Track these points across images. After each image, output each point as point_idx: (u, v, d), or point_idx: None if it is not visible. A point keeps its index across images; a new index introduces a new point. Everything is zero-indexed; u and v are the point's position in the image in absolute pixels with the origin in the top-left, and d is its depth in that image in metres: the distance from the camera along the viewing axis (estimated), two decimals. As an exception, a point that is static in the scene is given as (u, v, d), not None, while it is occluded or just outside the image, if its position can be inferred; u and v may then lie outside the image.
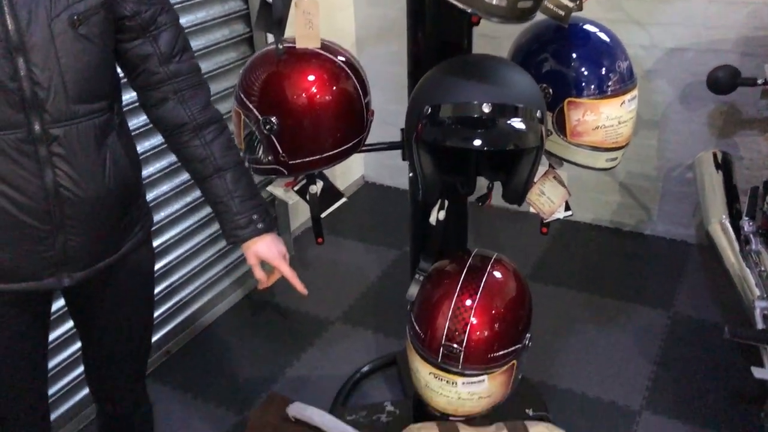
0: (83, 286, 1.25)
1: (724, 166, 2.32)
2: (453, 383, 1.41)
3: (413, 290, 1.49)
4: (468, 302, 1.42)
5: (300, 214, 2.98)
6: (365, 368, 2.22)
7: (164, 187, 2.20)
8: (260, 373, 2.26)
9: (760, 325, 1.78)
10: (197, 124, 1.27)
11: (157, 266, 2.21)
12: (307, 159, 1.43)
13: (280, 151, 1.42)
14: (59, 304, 1.70)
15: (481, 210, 3.11)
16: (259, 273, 1.35)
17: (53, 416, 1.97)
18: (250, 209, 1.31)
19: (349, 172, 3.35)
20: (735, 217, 2.11)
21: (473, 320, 1.40)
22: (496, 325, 1.41)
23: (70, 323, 1.86)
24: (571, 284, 2.65)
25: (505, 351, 1.41)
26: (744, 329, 1.79)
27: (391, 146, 1.60)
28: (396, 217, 3.13)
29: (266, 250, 1.33)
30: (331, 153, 1.44)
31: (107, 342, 1.40)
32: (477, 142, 1.20)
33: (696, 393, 2.12)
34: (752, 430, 1.97)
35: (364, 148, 1.52)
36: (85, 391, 1.98)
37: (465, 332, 1.39)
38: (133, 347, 1.44)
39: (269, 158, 1.45)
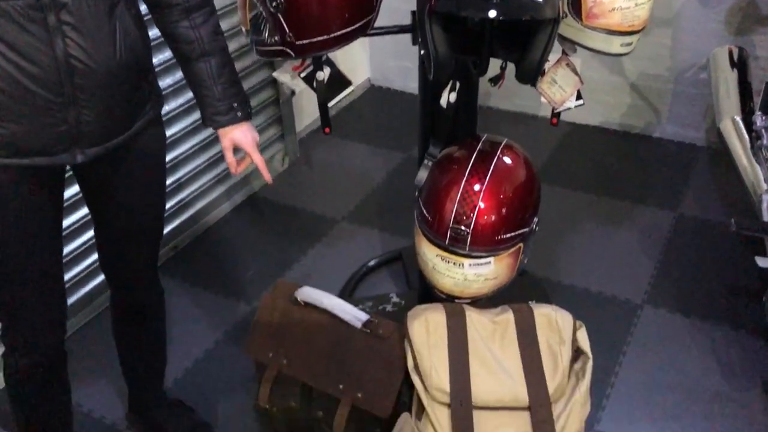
0: (96, 165, 1.25)
1: (739, 62, 2.27)
2: (459, 265, 1.42)
3: (422, 175, 1.49)
4: (477, 186, 1.41)
5: (305, 116, 2.95)
6: (371, 263, 2.25)
7: (168, 80, 2.16)
8: (267, 267, 2.30)
9: (766, 218, 1.79)
10: (188, 6, 1.28)
11: (163, 160, 2.22)
12: (315, 39, 1.40)
13: (287, 31, 1.39)
14: (74, 190, 1.71)
15: (489, 113, 3.09)
16: (230, 157, 1.41)
17: (69, 302, 2.01)
18: (232, 97, 1.35)
19: (355, 75, 3.29)
20: (748, 114, 2.08)
21: (481, 204, 1.40)
22: (504, 209, 1.41)
23: (85, 210, 1.87)
24: (578, 186, 2.65)
25: (512, 234, 1.42)
26: (750, 221, 1.79)
27: (401, 30, 1.56)
28: (402, 120, 3.10)
29: (242, 137, 1.39)
30: (339, 33, 1.41)
31: (119, 225, 1.41)
32: (492, 13, 1.16)
33: (697, 288, 2.15)
34: (752, 322, 2.01)
35: (373, 30, 1.49)
36: (101, 278, 2.02)
37: (473, 215, 1.39)
38: (145, 231, 1.45)
39: (275, 39, 1.42)
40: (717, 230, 2.38)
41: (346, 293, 2.14)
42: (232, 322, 2.10)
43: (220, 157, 2.48)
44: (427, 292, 1.65)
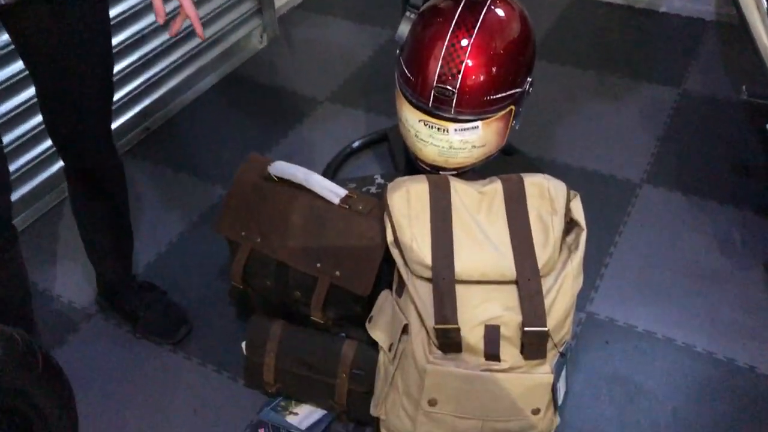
0: (23, 7, 1.09)
1: None
2: (444, 131, 1.29)
3: (403, 29, 1.33)
4: (464, 41, 1.26)
5: (285, -10, 2.73)
6: (355, 144, 2.12)
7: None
8: (245, 149, 2.16)
9: (780, 85, 1.64)
10: None
11: (127, 33, 2.03)
12: None
13: None
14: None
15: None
16: (158, 4, 1.17)
17: (28, 187, 1.90)
18: None
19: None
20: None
21: (468, 61, 1.25)
22: (494, 67, 1.27)
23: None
24: (577, 62, 2.48)
25: (502, 95, 1.28)
26: (762, 88, 1.65)
27: None
28: (390, -6, 2.88)
29: None
30: None
31: (60, 79, 1.25)
32: None
33: (699, 166, 2.03)
34: (757, 201, 1.90)
35: None
36: (60, 164, 1.89)
37: (459, 74, 1.25)
38: (90, 88, 1.30)
39: None
40: (723, 106, 2.24)
41: (329, 175, 2.02)
42: (208, 205, 1.99)
43: (192, 31, 2.29)
44: (414, 171, 1.53)
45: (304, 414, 1.47)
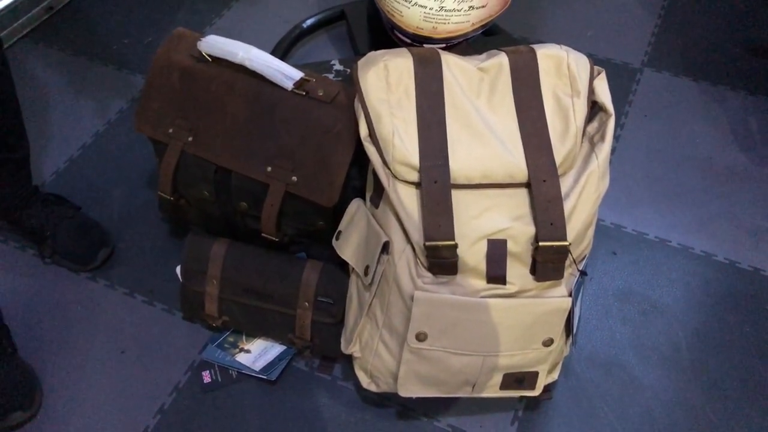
0: None
1: None
2: (433, -16, 0.97)
3: None
4: None
5: None
6: (307, 22, 1.76)
7: None
8: (173, 30, 1.78)
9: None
10: None
11: None
12: None
13: None
14: None
15: None
16: None
17: None
18: None
19: None
20: None
21: None
22: None
23: None
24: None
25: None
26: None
27: None
28: None
29: None
30: None
31: None
32: None
33: (708, 48, 1.76)
34: (765, 83, 1.66)
35: None
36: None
37: None
38: None
39: None
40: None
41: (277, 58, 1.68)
42: (128, 98, 1.63)
43: None
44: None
45: (258, 351, 1.20)
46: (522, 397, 1.15)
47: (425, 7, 1.00)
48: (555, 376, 1.10)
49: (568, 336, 1.09)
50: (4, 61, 1.15)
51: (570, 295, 0.99)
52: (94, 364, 1.19)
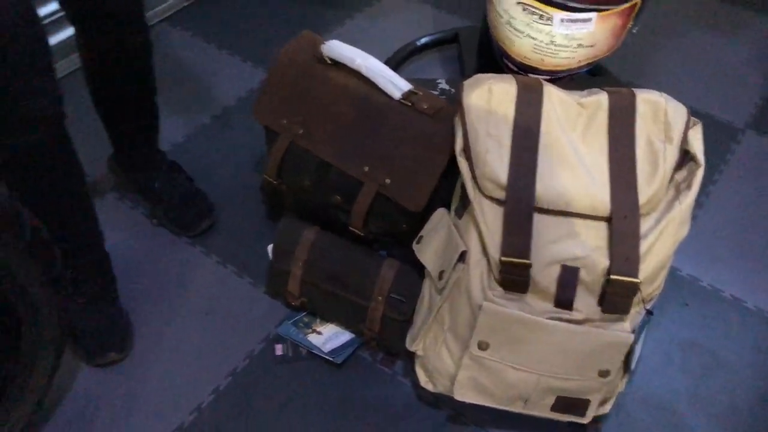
0: None
1: None
2: (548, 19, 1.03)
3: None
4: None
5: None
6: (421, 41, 1.86)
7: None
8: (296, 33, 1.92)
9: None
10: None
11: None
12: None
13: None
14: None
15: None
16: None
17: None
18: None
19: None
20: None
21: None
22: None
23: None
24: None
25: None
26: None
27: None
28: None
29: None
30: None
31: None
32: None
33: (817, 118, 1.74)
34: None
35: None
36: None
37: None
38: None
39: None
40: None
41: (386, 72, 1.78)
42: (248, 89, 1.76)
43: None
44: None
45: (329, 334, 1.28)
46: (570, 423, 1.18)
47: (536, 39, 1.06)
48: (607, 408, 1.13)
49: (625, 372, 1.12)
50: (148, 44, 1.28)
51: (633, 332, 1.02)
52: (181, 320, 1.30)
